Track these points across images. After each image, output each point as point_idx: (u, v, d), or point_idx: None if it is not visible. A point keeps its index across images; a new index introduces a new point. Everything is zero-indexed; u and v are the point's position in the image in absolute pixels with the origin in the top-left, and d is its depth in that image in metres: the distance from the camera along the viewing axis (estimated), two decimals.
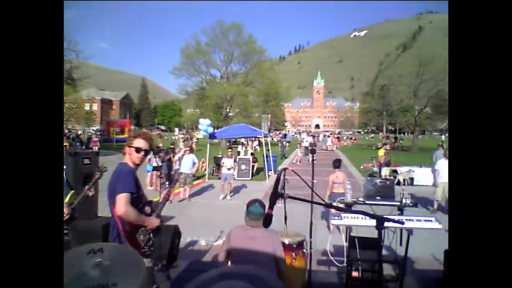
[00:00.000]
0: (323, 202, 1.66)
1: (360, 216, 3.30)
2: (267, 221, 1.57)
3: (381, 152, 16.95)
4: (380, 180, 3.95)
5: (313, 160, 4.25)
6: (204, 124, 16.37)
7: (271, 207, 1.55)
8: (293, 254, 3.63)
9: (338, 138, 52.80)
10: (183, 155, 11.46)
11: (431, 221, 3.46)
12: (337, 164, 7.85)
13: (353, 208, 3.66)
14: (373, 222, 1.61)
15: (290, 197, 1.61)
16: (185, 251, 6.03)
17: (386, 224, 1.61)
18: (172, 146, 14.60)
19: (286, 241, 3.61)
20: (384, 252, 5.06)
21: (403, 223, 1.72)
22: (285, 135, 49.28)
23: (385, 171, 15.21)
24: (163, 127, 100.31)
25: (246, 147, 25.74)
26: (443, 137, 56.57)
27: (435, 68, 35.26)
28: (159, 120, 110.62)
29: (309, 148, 24.45)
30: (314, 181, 4.17)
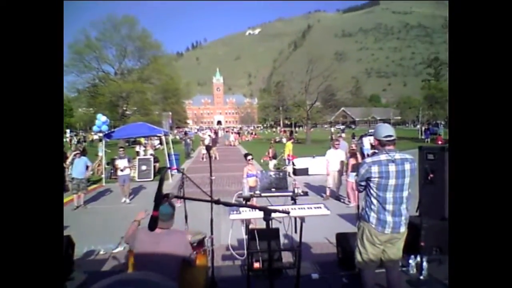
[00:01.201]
0: (209, 199, 1.68)
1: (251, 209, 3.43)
2: (151, 223, 1.52)
3: (289, 146, 17.27)
4: (274, 173, 4.16)
5: (209, 156, 4.26)
6: (100, 120, 15.22)
7: (155, 208, 1.51)
8: (194, 252, 3.60)
9: (238, 133, 54.07)
10: (73, 159, 10.48)
11: (320, 208, 3.75)
12: (248, 156, 8.17)
13: (249, 202, 3.79)
14: (261, 214, 1.68)
15: (176, 197, 1.59)
16: (82, 262, 5.57)
17: (273, 215, 1.69)
18: None
19: None
20: (284, 241, 5.35)
21: (288, 213, 1.82)
22: (186, 133, 48.58)
23: (272, 163, 16.05)
24: None
25: (145, 147, 24.64)
26: (332, 129, 61.87)
27: (323, 65, 38.22)
28: None
29: (205, 145, 24.63)
30: (213, 177, 4.20)
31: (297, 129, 59.84)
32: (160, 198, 1.51)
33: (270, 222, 1.68)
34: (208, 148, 4.45)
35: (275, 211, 1.69)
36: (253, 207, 1.77)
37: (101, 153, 16.52)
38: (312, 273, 4.35)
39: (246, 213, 3.46)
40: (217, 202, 1.61)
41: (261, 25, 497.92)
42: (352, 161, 9.37)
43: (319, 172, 14.10)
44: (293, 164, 16.45)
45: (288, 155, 16.09)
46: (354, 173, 9.25)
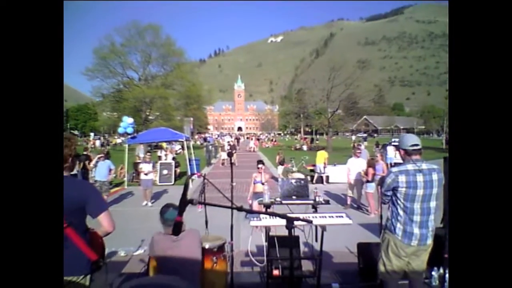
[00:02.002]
0: (233, 206, 1.67)
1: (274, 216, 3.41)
2: (176, 228, 1.53)
3: (324, 154, 15.53)
4: (295, 180, 4.13)
5: (231, 163, 4.27)
6: (126, 121, 15.51)
7: (180, 214, 1.51)
8: (214, 258, 3.60)
9: (258, 139, 54.23)
10: (97, 161, 10.74)
11: (342, 217, 3.70)
12: (259, 164, 8.10)
13: (270, 209, 3.77)
14: (284, 222, 1.67)
15: (200, 203, 1.59)
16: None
17: (295, 223, 1.67)
18: (85, 153, 13.60)
19: (207, 246, 3.57)
20: (304, 249, 5.29)
21: (311, 221, 1.80)
22: (205, 139, 49.00)
23: (280, 170, 15.81)
24: (76, 132, 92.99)
25: (167, 152, 24.97)
26: (353, 138, 61.15)
27: (345, 72, 37.96)
28: (72, 124, 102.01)
29: (227, 151, 24.38)
30: (233, 183, 4.20)
31: (318, 136, 59.40)
32: (185, 204, 1.52)
33: (292, 230, 1.66)
34: (229, 155, 4.46)
35: (297, 219, 1.67)
36: (275, 214, 1.75)
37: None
38: (332, 282, 4.28)
39: (267, 220, 3.44)
40: (239, 209, 1.61)
41: (284, 33, 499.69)
42: (371, 171, 9.21)
43: (340, 180, 13.94)
44: (311, 171, 16.29)
45: (325, 163, 15.57)
46: (373, 183, 9.09)
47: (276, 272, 3.92)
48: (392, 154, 17.56)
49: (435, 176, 3.04)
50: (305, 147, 40.46)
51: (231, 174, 4.11)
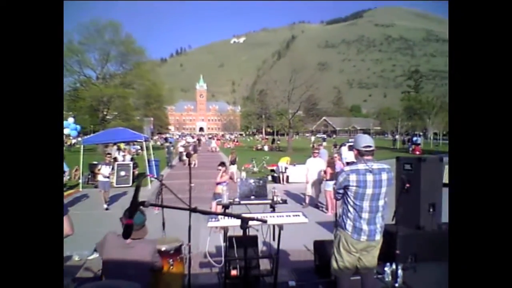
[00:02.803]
0: (186, 207, 1.67)
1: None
2: (126, 231, 1.51)
3: (284, 159, 16.47)
4: (253, 180, 4.17)
5: (189, 163, 4.25)
6: (70, 125, 14.86)
7: (130, 216, 1.49)
8: (171, 260, 3.57)
9: (219, 140, 54.26)
10: None
11: (298, 215, 3.79)
12: (219, 166, 8.10)
13: (229, 209, 3.79)
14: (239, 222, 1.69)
15: (152, 205, 1.58)
16: None
17: (250, 223, 1.70)
18: None
19: (163, 248, 3.53)
20: (263, 248, 5.35)
21: (266, 221, 1.83)
22: (166, 139, 48.10)
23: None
24: None
25: (125, 152, 24.23)
26: (312, 138, 62.46)
27: (306, 74, 38.68)
28: None
29: (184, 152, 23.79)
30: (192, 184, 4.19)
31: (279, 137, 60.07)
32: (136, 206, 1.50)
33: (247, 230, 1.69)
34: (188, 155, 4.43)
35: (252, 219, 1.70)
36: (230, 215, 1.78)
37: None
38: (289, 280, 4.36)
39: (224, 221, 3.46)
40: (194, 210, 1.61)
41: (246, 34, 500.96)
42: (329, 170, 9.47)
43: (299, 180, 14.19)
44: (272, 171, 16.50)
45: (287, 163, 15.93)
46: (332, 182, 9.36)
47: (234, 272, 3.94)
48: (346, 154, 18.15)
49: (384, 176, 3.20)
50: (266, 148, 40.84)
51: (189, 175, 4.09)
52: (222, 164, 8.07)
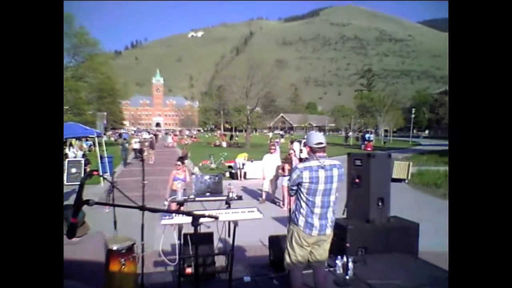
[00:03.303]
0: (135, 206, 1.64)
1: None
2: (70, 230, 1.46)
3: (242, 155, 16.59)
4: (209, 177, 4.16)
5: (142, 160, 4.17)
6: None
7: (74, 215, 1.44)
8: (122, 260, 3.48)
9: (176, 135, 53.52)
10: None
11: (253, 211, 3.83)
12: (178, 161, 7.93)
13: (184, 206, 3.75)
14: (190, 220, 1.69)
15: (97, 203, 1.54)
16: None
17: (201, 220, 1.70)
18: None
19: (115, 247, 3.44)
20: (219, 245, 5.36)
21: (217, 217, 1.84)
22: (120, 135, 46.56)
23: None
24: None
25: (76, 148, 23.16)
26: (270, 134, 63.18)
27: (263, 71, 38.97)
28: None
29: (137, 148, 22.50)
30: (146, 181, 4.10)
31: (237, 133, 60.16)
32: (80, 205, 1.45)
33: (198, 227, 1.69)
34: (141, 152, 4.34)
35: (203, 216, 1.70)
36: (180, 212, 1.77)
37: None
38: (244, 276, 4.41)
39: (178, 218, 3.42)
40: (143, 208, 1.59)
41: (204, 29, 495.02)
42: (287, 166, 9.63)
43: (257, 176, 14.32)
44: (229, 167, 16.51)
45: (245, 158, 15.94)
46: (287, 178, 9.54)
47: (188, 270, 3.92)
48: (298, 150, 18.56)
49: (335, 172, 3.31)
50: (224, 144, 40.73)
51: (142, 172, 4.01)
52: (180, 159, 7.91)
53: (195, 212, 1.67)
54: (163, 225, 3.65)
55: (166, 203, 5.83)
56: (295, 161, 9.78)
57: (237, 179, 15.25)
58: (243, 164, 15.50)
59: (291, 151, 10.25)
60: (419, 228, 5.61)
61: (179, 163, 7.68)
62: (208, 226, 3.46)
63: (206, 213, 1.84)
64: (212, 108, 54.42)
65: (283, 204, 9.70)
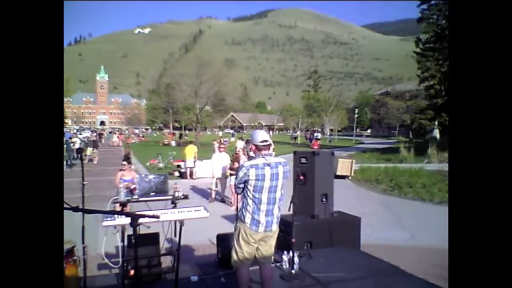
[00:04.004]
0: (67, 206, 1.57)
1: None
2: None
3: (192, 149, 15.66)
4: (154, 176, 4.07)
5: (81, 159, 3.99)
6: None
7: None
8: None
9: (122, 134, 51.76)
10: None
11: (199, 210, 3.81)
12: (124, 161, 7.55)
13: (127, 207, 3.63)
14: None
15: None
16: None
17: (140, 220, 1.67)
18: None
19: None
20: (167, 245, 5.26)
21: (158, 217, 1.81)
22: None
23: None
24: None
25: None
26: (220, 133, 62.99)
27: (213, 70, 38.75)
28: None
29: (77, 148, 21.13)
30: (85, 182, 3.93)
31: (187, 132, 59.23)
32: None
33: (139, 228, 1.65)
34: (80, 151, 4.15)
35: (143, 216, 1.67)
36: (119, 213, 1.72)
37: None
38: (191, 275, 4.37)
39: (121, 219, 3.31)
40: (76, 209, 1.53)
41: (151, 25, 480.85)
42: (236, 165, 9.65)
43: (206, 175, 14.21)
44: (178, 166, 16.21)
45: (195, 158, 15.48)
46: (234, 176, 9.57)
47: (132, 272, 3.81)
48: (240, 148, 18.56)
49: (280, 169, 3.39)
50: (173, 143, 39.94)
51: (81, 172, 3.85)
52: (126, 159, 7.54)
53: (135, 213, 1.63)
54: (105, 227, 3.52)
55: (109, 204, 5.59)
56: (242, 160, 9.84)
57: (186, 178, 15.03)
58: (194, 162, 15.23)
59: (238, 150, 10.29)
60: (361, 221, 5.91)
61: (124, 163, 7.28)
62: (148, 227, 3.38)
63: (147, 213, 1.81)
64: (160, 106, 53.02)
65: (231, 203, 9.72)
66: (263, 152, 3.40)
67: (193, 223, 4.02)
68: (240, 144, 10.58)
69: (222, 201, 10.42)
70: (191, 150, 15.35)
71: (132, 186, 4.86)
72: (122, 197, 3.68)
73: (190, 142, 16.45)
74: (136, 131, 78.47)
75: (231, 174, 9.65)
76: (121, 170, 7.22)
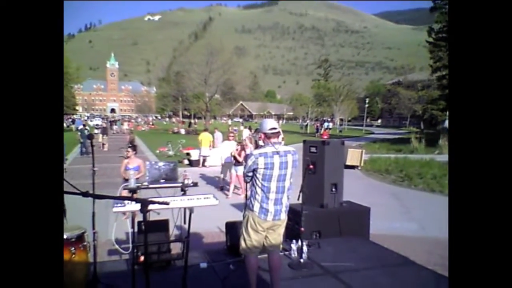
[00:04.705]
0: (77, 191, 1.58)
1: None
2: None
3: (208, 138, 15.52)
4: (164, 164, 4.08)
5: (92, 145, 4.02)
6: None
7: None
8: (73, 248, 3.37)
9: (130, 121, 52.40)
10: None
11: (209, 198, 3.82)
12: (129, 148, 7.52)
13: (137, 193, 3.65)
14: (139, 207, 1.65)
15: None
16: None
17: (150, 206, 1.67)
18: None
19: (64, 236, 3.31)
20: (177, 232, 5.31)
21: (168, 203, 1.81)
22: (74, 121, 44.43)
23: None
24: None
25: None
26: (229, 122, 63.06)
27: (223, 58, 38.57)
28: None
29: (86, 134, 21.26)
30: (96, 168, 3.96)
31: (196, 120, 59.40)
32: None
33: (148, 214, 1.65)
34: (90, 137, 4.17)
35: (152, 202, 1.67)
36: (128, 199, 1.73)
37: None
38: (200, 262, 4.41)
39: (131, 206, 3.34)
40: (86, 194, 1.53)
41: (161, 12, 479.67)
42: (242, 154, 9.59)
43: (216, 163, 14.25)
44: (187, 154, 16.26)
45: (210, 146, 15.46)
46: (240, 167, 9.44)
47: (142, 257, 3.85)
48: (247, 136, 18.49)
49: (290, 158, 3.37)
50: (183, 131, 40.12)
51: (92, 158, 3.87)
52: (132, 147, 7.48)
53: (144, 199, 1.63)
54: (115, 213, 3.55)
55: (120, 190, 5.63)
56: (249, 149, 9.77)
57: (197, 166, 15.07)
58: (209, 150, 15.15)
59: (245, 138, 10.22)
60: (370, 212, 5.88)
61: (129, 150, 7.13)
62: (157, 213, 3.40)
63: (157, 199, 1.81)
64: (170, 94, 53.01)
65: (228, 191, 9.68)
66: (272, 140, 3.38)
67: (202, 211, 4.03)
68: (246, 133, 10.48)
69: (221, 189, 10.40)
70: (207, 138, 15.14)
71: (137, 176, 4.85)
72: (132, 184, 3.69)
73: (205, 130, 16.22)
74: (148, 118, 78.96)
75: (235, 164, 9.50)
76: (126, 157, 7.15)
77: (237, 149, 9.53)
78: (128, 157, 7.08)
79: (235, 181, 9.53)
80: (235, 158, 9.48)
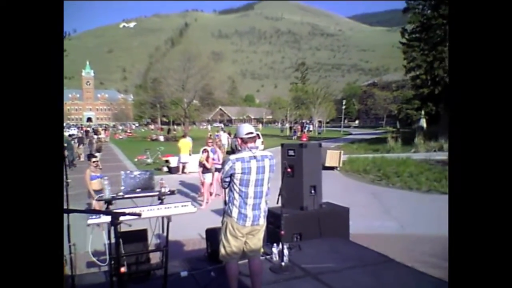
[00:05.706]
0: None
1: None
2: None
3: (187, 145, 15.37)
4: (139, 173, 4.01)
5: (63, 157, 3.91)
6: None
7: None
8: None
9: (105, 129, 51.74)
10: None
11: (187, 205, 3.77)
12: (91, 158, 7.31)
13: (111, 205, 3.57)
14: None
15: None
16: None
17: (121, 218, 1.63)
18: None
19: None
20: (156, 241, 5.22)
21: (139, 214, 1.78)
22: None
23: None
24: None
25: None
26: (209, 127, 62.74)
27: (200, 63, 38.37)
28: None
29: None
30: (69, 180, 3.86)
31: (175, 126, 58.74)
32: None
33: (117, 226, 1.61)
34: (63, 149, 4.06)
35: (123, 214, 1.63)
36: (96, 212, 1.68)
37: None
38: (181, 271, 4.34)
39: (106, 217, 3.26)
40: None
41: (137, 19, 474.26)
42: (210, 160, 9.43)
43: (196, 170, 14.11)
44: (166, 162, 16.06)
45: (190, 152, 15.22)
46: (208, 174, 9.30)
47: (122, 269, 3.76)
48: (225, 140, 18.47)
49: (267, 163, 3.37)
50: (161, 138, 39.62)
51: (64, 169, 3.77)
52: (91, 156, 7.26)
53: (115, 210, 1.59)
54: (91, 225, 3.46)
55: (94, 202, 5.49)
56: (217, 154, 9.64)
57: (176, 173, 14.90)
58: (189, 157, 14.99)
59: (218, 135, 10.07)
60: (350, 212, 5.94)
61: (93, 159, 7.04)
62: (129, 225, 3.33)
63: (127, 210, 1.76)
64: (147, 101, 52.22)
65: (201, 203, 9.37)
66: (249, 144, 3.37)
67: (182, 218, 3.98)
68: (225, 138, 10.36)
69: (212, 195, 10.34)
70: (186, 145, 14.98)
71: (99, 185, 4.73)
72: (107, 195, 3.61)
73: (183, 136, 16.07)
74: (128, 126, 77.68)
75: (203, 171, 9.36)
76: (92, 166, 7.00)
77: (204, 153, 9.39)
78: (94, 166, 6.97)
79: (207, 188, 9.36)
80: (203, 165, 9.33)
